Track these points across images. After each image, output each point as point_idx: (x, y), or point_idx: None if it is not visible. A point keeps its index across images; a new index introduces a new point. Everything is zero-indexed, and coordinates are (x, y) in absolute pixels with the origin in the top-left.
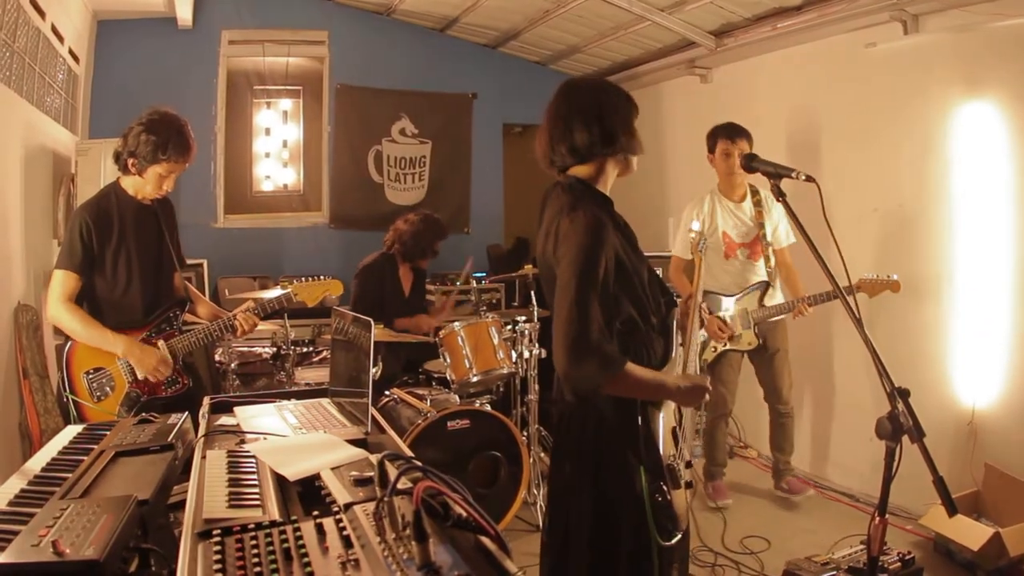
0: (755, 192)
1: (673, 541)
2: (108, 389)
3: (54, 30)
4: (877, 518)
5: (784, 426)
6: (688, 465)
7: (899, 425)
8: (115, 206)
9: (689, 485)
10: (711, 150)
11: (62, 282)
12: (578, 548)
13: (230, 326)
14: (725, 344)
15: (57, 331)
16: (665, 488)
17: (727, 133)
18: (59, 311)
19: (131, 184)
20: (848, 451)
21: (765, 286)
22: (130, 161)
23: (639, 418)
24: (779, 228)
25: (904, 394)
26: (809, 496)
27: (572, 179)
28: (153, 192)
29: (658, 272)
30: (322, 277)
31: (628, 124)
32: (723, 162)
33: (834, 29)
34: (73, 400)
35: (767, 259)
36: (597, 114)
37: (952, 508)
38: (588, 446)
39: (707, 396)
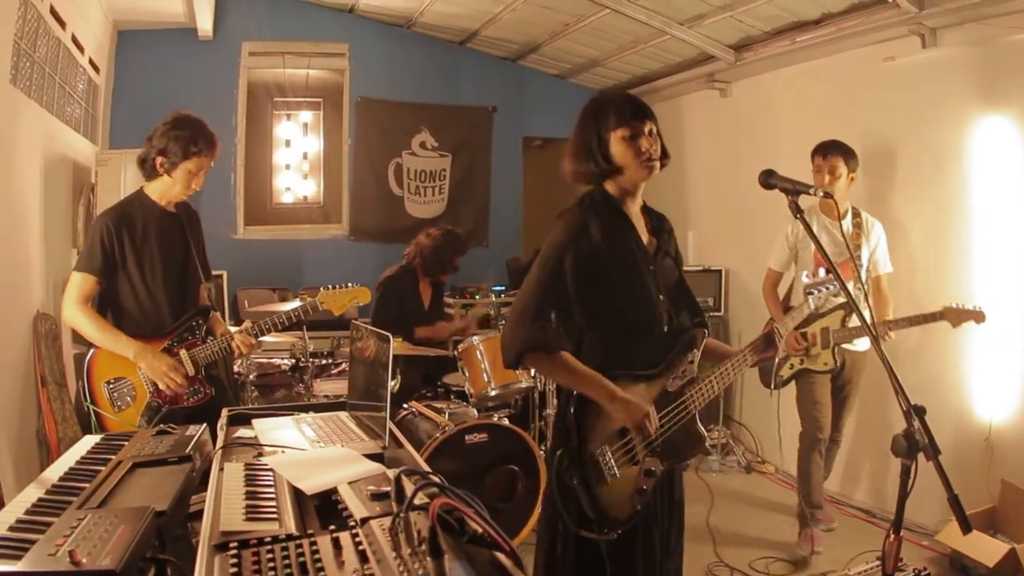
0: (856, 214)
1: (599, 536)
2: (129, 399)
3: (74, 40)
4: (892, 535)
5: (830, 452)
6: (648, 474)
7: (915, 443)
8: (139, 212)
9: (642, 492)
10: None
11: (79, 284)
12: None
13: (228, 347)
14: (802, 361)
15: (76, 340)
16: (582, 475)
17: (821, 149)
18: (74, 312)
19: (157, 189)
20: (865, 467)
21: (849, 307)
22: (159, 160)
23: (572, 404)
24: (876, 254)
25: (920, 412)
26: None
27: (595, 188)
28: (182, 192)
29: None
30: (350, 285)
31: (593, 154)
32: (815, 178)
33: (852, 43)
34: (93, 410)
35: (857, 281)
36: (573, 151)
37: (967, 526)
38: (557, 427)
39: (644, 427)
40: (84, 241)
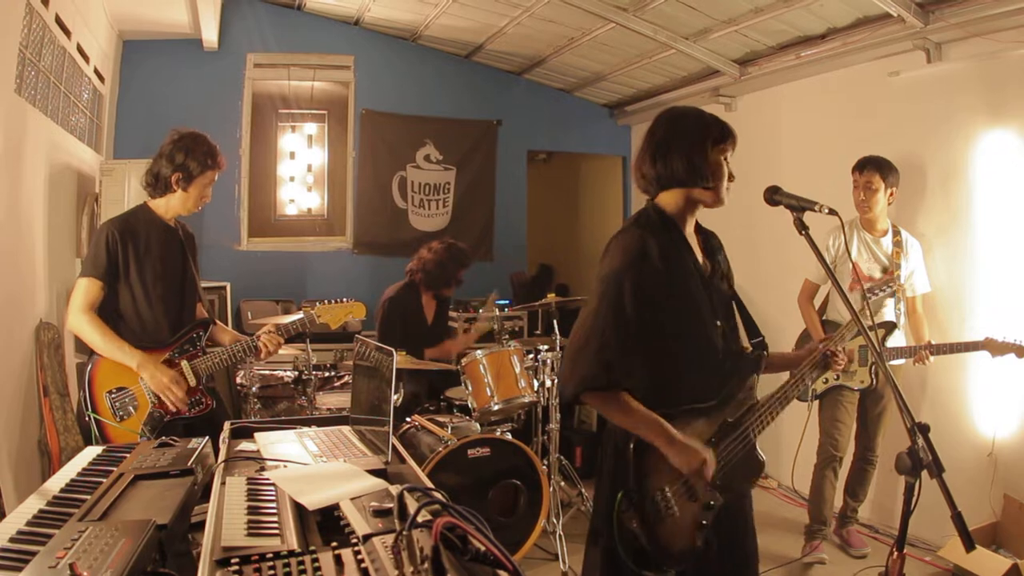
0: (896, 232)
1: (660, 575)
2: (131, 408)
3: (79, 49)
4: (895, 552)
5: (866, 473)
6: (708, 507)
7: (918, 460)
8: (143, 224)
9: (701, 527)
10: None
11: (85, 289)
12: (590, 560)
13: (253, 347)
14: (837, 376)
15: (79, 349)
16: (642, 516)
17: (858, 165)
18: (80, 320)
19: (164, 204)
20: (871, 482)
21: (891, 326)
22: (175, 177)
23: (632, 443)
24: (915, 274)
25: (924, 429)
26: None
27: (649, 205)
28: (195, 205)
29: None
30: (345, 299)
31: (691, 156)
32: (853, 194)
33: (857, 58)
34: (95, 419)
35: (896, 300)
36: (664, 149)
37: (970, 543)
38: (606, 465)
39: (702, 473)
40: (89, 246)
